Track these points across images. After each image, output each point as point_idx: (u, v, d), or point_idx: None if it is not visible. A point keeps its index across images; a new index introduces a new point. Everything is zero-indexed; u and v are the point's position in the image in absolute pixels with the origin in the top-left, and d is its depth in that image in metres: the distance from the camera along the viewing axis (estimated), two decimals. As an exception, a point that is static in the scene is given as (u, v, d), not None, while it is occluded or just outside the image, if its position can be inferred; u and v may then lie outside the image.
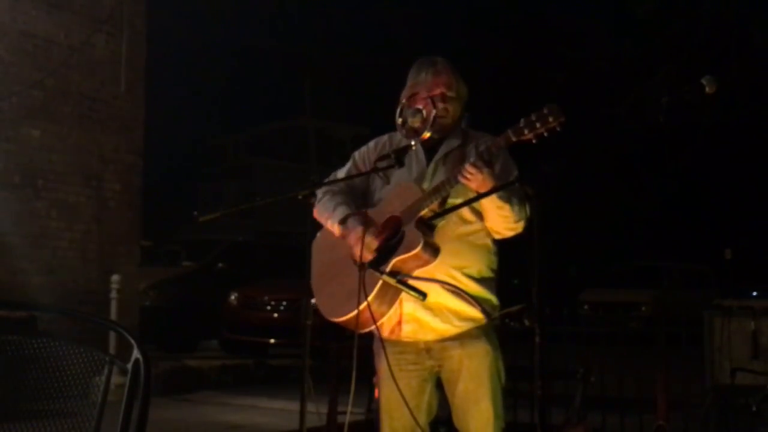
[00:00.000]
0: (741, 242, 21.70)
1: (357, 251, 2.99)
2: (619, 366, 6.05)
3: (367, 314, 2.96)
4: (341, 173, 3.28)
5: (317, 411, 3.73)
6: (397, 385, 3.05)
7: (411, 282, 2.93)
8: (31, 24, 8.86)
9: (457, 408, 3.12)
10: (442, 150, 3.13)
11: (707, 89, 2.73)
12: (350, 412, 3.15)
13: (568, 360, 5.76)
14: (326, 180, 3.28)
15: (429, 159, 3.15)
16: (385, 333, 3.09)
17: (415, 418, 3.08)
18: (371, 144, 3.30)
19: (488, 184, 2.87)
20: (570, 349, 5.99)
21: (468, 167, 2.85)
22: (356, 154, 3.30)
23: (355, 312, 2.96)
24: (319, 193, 3.23)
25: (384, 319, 3.03)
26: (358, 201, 3.20)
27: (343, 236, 3.10)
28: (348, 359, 3.19)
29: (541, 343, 2.60)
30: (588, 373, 5.25)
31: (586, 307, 18.72)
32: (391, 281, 2.91)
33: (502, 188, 2.88)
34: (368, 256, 3.00)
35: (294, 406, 3.42)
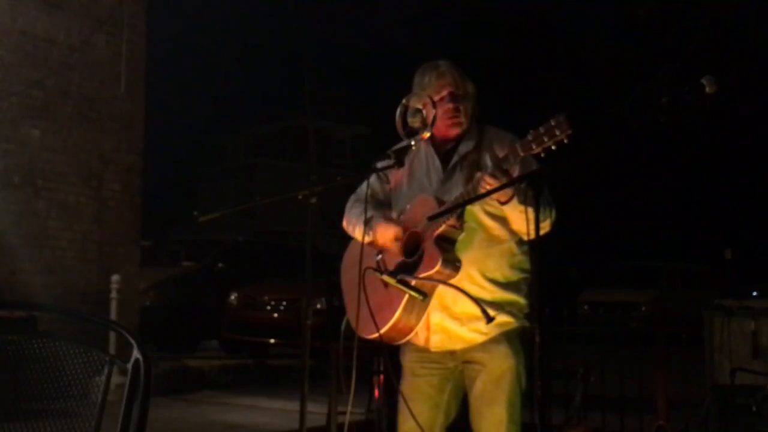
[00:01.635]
0: (741, 242, 21.71)
1: (385, 243, 3.05)
2: (619, 366, 6.05)
3: (397, 329, 3.00)
4: (365, 185, 3.27)
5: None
6: (397, 386, 3.06)
7: (414, 282, 2.94)
8: (31, 24, 8.86)
9: (473, 408, 3.13)
10: (458, 154, 3.13)
11: (707, 89, 2.72)
12: (350, 412, 3.15)
13: (568, 360, 5.77)
14: (353, 193, 3.33)
15: (444, 163, 3.14)
16: (421, 343, 3.11)
17: (417, 421, 3.07)
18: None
19: (508, 193, 2.88)
20: (570, 349, 5.98)
21: (487, 179, 2.83)
22: (379, 164, 3.30)
23: (382, 330, 2.99)
24: (348, 203, 3.29)
25: (417, 330, 3.05)
26: (384, 208, 3.22)
27: (370, 239, 3.12)
28: (348, 360, 3.19)
29: (541, 343, 2.60)
30: (588, 373, 5.26)
31: (586, 307, 18.74)
32: (391, 281, 2.92)
33: (508, 186, 2.84)
34: (394, 246, 3.04)
35: (294, 406, 3.42)
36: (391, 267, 3.06)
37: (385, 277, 2.93)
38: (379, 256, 3.10)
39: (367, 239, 3.14)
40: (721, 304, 6.45)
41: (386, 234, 3.07)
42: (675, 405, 5.72)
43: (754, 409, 5.02)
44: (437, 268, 2.91)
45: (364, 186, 3.27)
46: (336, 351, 3.17)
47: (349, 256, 3.28)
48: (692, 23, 13.85)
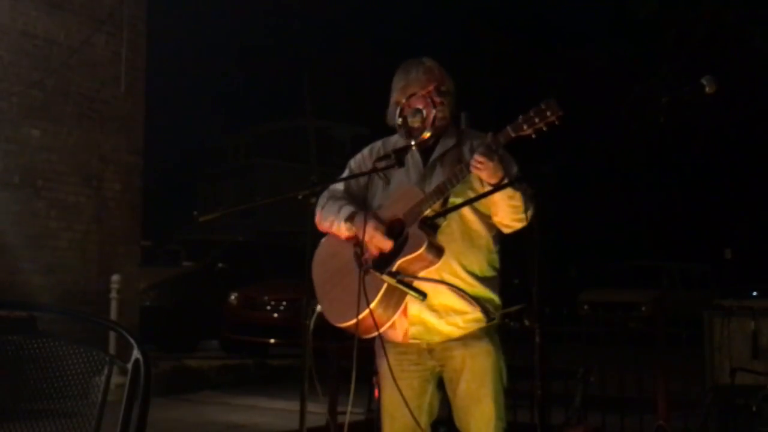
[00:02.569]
0: (741, 242, 21.73)
1: (375, 242, 3.01)
2: (619, 366, 6.05)
3: (372, 318, 2.96)
4: (339, 184, 3.27)
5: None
6: (397, 386, 3.05)
7: (413, 282, 2.93)
8: (31, 24, 8.86)
9: (458, 408, 3.11)
10: (438, 150, 3.14)
11: (707, 89, 2.73)
12: (350, 412, 3.15)
13: (568, 360, 5.77)
14: (326, 190, 3.27)
15: (425, 160, 3.15)
16: (400, 337, 3.10)
17: (416, 420, 3.07)
18: (365, 151, 3.30)
19: (498, 174, 2.89)
20: (570, 349, 5.98)
21: (477, 157, 2.87)
22: (352, 162, 3.30)
23: (361, 315, 2.95)
24: (322, 199, 3.23)
25: (394, 321, 3.03)
26: (359, 206, 3.20)
27: (350, 236, 3.10)
28: (348, 359, 3.19)
29: (541, 343, 2.60)
30: (588, 373, 5.25)
31: (586, 307, 18.72)
32: (391, 281, 2.91)
33: (515, 182, 2.88)
34: (388, 245, 3.01)
35: (294, 406, 3.42)
36: (370, 256, 3.06)
37: (385, 277, 2.92)
38: (358, 248, 3.08)
39: (347, 233, 3.12)
40: (721, 304, 6.45)
41: (376, 235, 3.05)
42: (675, 405, 5.72)
43: (754, 409, 5.03)
44: (421, 251, 2.93)
45: (338, 184, 3.27)
46: (307, 345, 3.14)
47: (325, 250, 3.26)
48: (692, 23, 13.86)
